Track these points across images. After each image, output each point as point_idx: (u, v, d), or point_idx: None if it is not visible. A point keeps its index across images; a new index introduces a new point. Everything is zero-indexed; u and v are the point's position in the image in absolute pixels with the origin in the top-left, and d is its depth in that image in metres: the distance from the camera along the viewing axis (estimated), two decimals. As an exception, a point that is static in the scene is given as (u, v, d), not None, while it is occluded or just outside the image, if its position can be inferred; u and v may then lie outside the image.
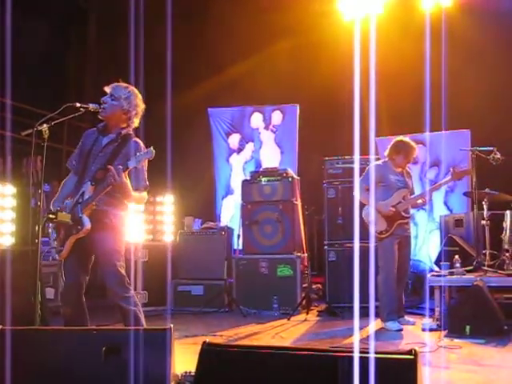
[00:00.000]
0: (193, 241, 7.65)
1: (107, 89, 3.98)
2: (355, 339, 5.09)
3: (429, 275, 6.03)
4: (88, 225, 3.77)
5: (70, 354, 2.79)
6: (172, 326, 2.77)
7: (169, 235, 7.77)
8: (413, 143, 5.85)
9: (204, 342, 2.48)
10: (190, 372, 3.21)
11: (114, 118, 3.97)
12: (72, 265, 3.92)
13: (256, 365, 2.42)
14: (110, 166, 3.72)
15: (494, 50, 8.20)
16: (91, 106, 3.91)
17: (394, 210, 5.62)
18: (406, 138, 5.91)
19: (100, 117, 3.98)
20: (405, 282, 5.98)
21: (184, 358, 3.59)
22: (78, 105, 3.85)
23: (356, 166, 5.96)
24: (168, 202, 7.80)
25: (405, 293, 6.05)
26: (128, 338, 2.81)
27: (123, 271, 3.89)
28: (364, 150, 5.99)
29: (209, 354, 2.46)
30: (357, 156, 5.83)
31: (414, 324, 5.75)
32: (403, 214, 5.70)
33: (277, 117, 9.51)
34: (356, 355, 2.22)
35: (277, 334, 5.56)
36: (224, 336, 5.43)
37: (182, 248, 7.66)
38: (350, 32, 7.34)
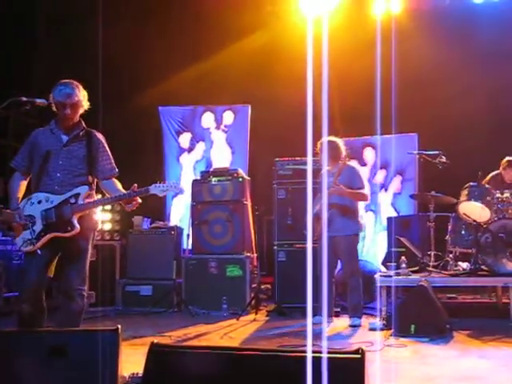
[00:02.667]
0: (142, 240, 7.57)
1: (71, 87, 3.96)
2: (308, 339, 5.13)
3: (376, 276, 6.14)
4: (78, 228, 3.84)
5: (15, 355, 2.71)
6: (120, 326, 2.72)
7: (117, 234, 7.66)
8: (325, 140, 5.88)
9: (152, 343, 2.45)
10: (137, 373, 3.17)
11: (77, 116, 4.01)
12: (41, 261, 3.85)
13: (205, 365, 2.41)
14: (135, 190, 3.88)
15: (442, 56, 8.41)
16: (38, 101, 3.82)
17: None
18: (324, 138, 5.91)
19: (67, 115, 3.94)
20: (344, 284, 5.95)
21: (132, 359, 3.54)
22: (24, 99, 3.76)
23: (309, 168, 6.02)
24: (117, 201, 7.67)
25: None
26: (75, 338, 2.75)
27: None
28: (316, 152, 6.09)
29: (157, 354, 2.43)
30: (310, 157, 5.89)
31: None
32: (320, 215, 5.81)
33: (228, 117, 9.49)
34: (304, 355, 2.23)
35: (226, 335, 5.56)
36: (172, 337, 5.38)
37: (130, 247, 7.56)
38: (303, 33, 7.37)
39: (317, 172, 6.28)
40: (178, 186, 4.09)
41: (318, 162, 6.66)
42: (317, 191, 6.21)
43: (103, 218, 7.54)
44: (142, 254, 7.46)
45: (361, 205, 8.05)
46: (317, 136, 5.75)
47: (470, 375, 3.83)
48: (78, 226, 3.84)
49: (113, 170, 4.13)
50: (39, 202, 3.86)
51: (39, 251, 3.79)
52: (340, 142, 6.03)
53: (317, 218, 5.87)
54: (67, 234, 3.83)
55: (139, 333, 5.44)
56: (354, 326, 5.72)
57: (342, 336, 5.34)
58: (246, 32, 9.02)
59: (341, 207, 5.85)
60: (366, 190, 6.08)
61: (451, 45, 8.30)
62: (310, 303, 5.66)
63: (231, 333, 5.67)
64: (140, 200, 3.97)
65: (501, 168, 6.96)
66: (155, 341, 2.46)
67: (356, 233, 6.01)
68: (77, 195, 3.87)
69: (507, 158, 6.93)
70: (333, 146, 5.95)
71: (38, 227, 3.83)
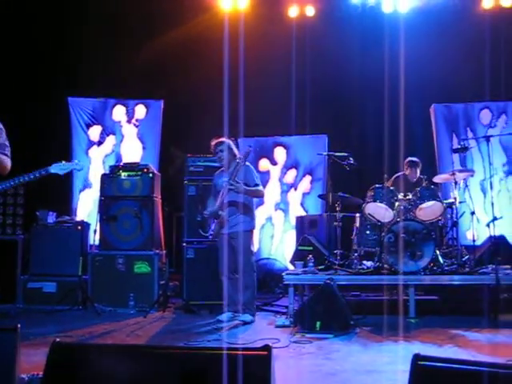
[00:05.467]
0: (46, 235, 7.29)
1: None
2: (223, 336, 5.16)
3: (284, 274, 6.25)
4: None
5: None
6: (19, 325, 2.61)
7: (20, 228, 7.34)
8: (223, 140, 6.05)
9: (53, 342, 2.36)
10: (37, 374, 3.05)
11: None
12: None
13: (109, 364, 2.35)
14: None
15: (353, 60, 8.66)
16: None
17: (206, 214, 6.03)
18: (221, 139, 6.08)
19: None
20: (240, 279, 5.99)
21: (33, 360, 3.41)
22: None
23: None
24: (20, 194, 7.36)
25: (260, 290, 6.10)
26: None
27: None
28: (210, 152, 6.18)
29: (58, 354, 2.34)
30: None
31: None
32: (220, 213, 5.91)
33: (140, 111, 9.34)
34: (210, 352, 2.23)
35: (132, 332, 5.46)
36: (76, 335, 5.23)
37: (34, 242, 7.26)
38: (220, 29, 7.40)
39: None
40: (79, 164, 4.15)
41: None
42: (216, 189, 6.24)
43: (5, 210, 7.22)
44: (47, 250, 7.19)
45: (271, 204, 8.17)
46: (231, 132, 5.82)
47: (371, 369, 3.98)
48: None
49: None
50: None
51: None
52: (231, 142, 6.14)
53: (214, 216, 5.96)
54: None
55: (41, 332, 5.25)
56: (246, 323, 5.78)
57: (248, 333, 5.38)
58: (162, 26, 8.89)
59: (238, 204, 5.95)
60: (262, 187, 6.20)
61: (362, 50, 8.57)
62: (226, 300, 5.69)
63: (138, 330, 5.58)
64: None
65: (404, 168, 7.27)
66: (57, 340, 2.38)
67: (251, 229, 6.10)
68: None
69: (409, 159, 7.26)
70: (228, 147, 6.05)
71: None
